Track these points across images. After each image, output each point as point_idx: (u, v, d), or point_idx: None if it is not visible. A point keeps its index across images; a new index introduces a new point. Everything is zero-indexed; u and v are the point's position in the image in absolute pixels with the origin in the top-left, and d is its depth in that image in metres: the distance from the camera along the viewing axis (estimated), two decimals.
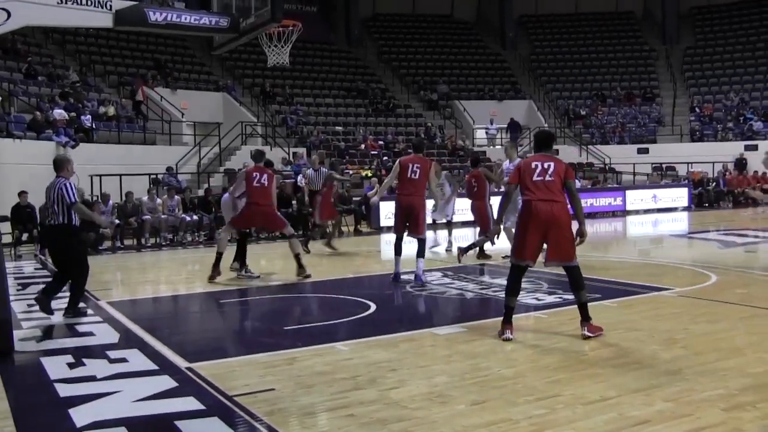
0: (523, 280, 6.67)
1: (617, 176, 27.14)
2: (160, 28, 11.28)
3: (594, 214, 21.68)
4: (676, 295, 8.21)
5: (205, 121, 25.56)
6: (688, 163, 27.59)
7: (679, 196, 23.97)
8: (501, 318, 6.49)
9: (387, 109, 31.38)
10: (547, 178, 6.24)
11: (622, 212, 22.63)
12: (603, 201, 22.22)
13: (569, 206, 6.35)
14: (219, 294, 9.22)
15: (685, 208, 23.65)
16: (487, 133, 32.23)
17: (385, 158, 25.30)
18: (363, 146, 26.74)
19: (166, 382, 5.17)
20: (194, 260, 13.49)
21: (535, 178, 6.25)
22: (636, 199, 23.23)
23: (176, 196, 17.12)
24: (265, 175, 10.05)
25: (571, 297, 7.97)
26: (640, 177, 27.22)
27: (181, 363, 5.69)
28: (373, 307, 7.85)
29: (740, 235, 15.02)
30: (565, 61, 37.81)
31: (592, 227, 19.48)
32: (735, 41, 37.21)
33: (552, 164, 6.32)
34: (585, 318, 6.36)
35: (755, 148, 29.72)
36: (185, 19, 11.04)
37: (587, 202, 21.66)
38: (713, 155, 27.88)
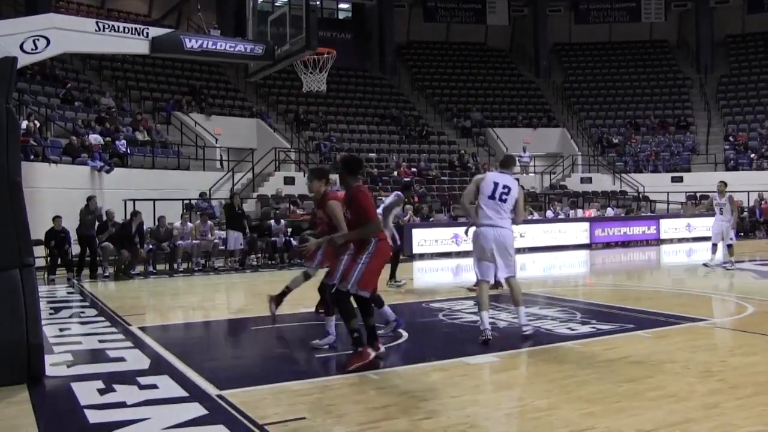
0: (556, 310, 6.56)
1: (651, 205, 26.82)
2: (195, 54, 11.45)
3: (627, 243, 21.41)
4: (711, 326, 8.04)
5: (238, 146, 25.87)
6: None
7: (708, 224, 23.60)
8: (537, 347, 6.43)
9: (420, 136, 31.45)
10: None
11: (656, 241, 22.32)
12: (637, 230, 21.95)
13: None
14: (251, 320, 9.23)
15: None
16: (520, 160, 32.10)
17: (418, 186, 25.30)
18: (396, 173, 26.80)
19: (196, 410, 5.14)
20: (226, 286, 13.56)
21: None
22: (670, 227, 22.91)
23: (209, 222, 17.28)
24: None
25: (606, 327, 7.89)
26: (675, 206, 26.87)
27: (212, 390, 5.67)
28: (405, 335, 7.78)
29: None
30: (598, 89, 37.66)
31: (626, 256, 19.24)
32: None
33: None
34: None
35: None
36: (221, 46, 11.20)
37: (621, 230, 21.44)
38: (748, 184, 27.42)
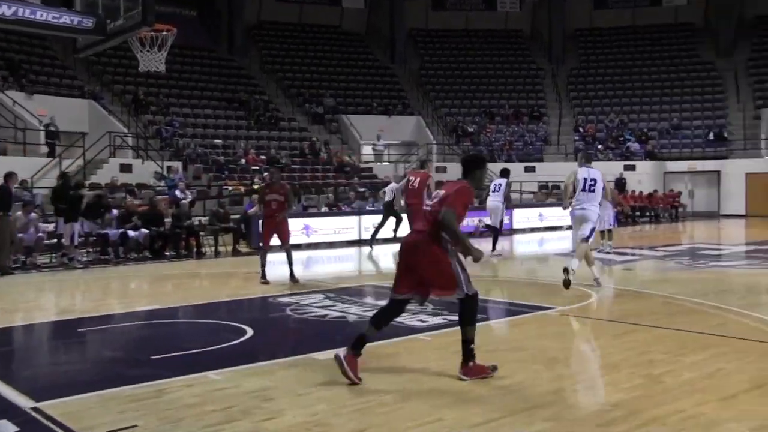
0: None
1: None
2: (9, 23, 10.56)
3: (481, 233, 22.21)
4: (558, 314, 8.51)
5: (67, 130, 24.45)
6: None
7: (564, 214, 24.92)
8: (385, 341, 6.50)
9: (270, 123, 31.12)
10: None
11: (510, 231, 23.32)
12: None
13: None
14: (78, 322, 8.76)
15: (569, 227, 24.56)
16: (374, 149, 32.55)
17: (266, 174, 25.02)
18: (244, 161, 26.37)
19: (5, 429, 4.76)
20: (52, 284, 12.81)
21: None
22: (523, 217, 24.00)
23: (32, 213, 16.22)
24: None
25: (455, 318, 8.13)
26: (527, 195, 28.19)
27: (26, 403, 5.27)
28: (249, 332, 7.69)
29: (619, 254, 15.76)
30: (454, 77, 38.82)
31: (480, 246, 19.96)
32: (615, 64, 39.41)
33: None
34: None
35: (633, 168, 31.54)
36: (41, 16, 10.37)
37: (474, 220, 22.17)
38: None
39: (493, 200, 15.73)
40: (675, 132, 34.60)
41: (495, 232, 15.89)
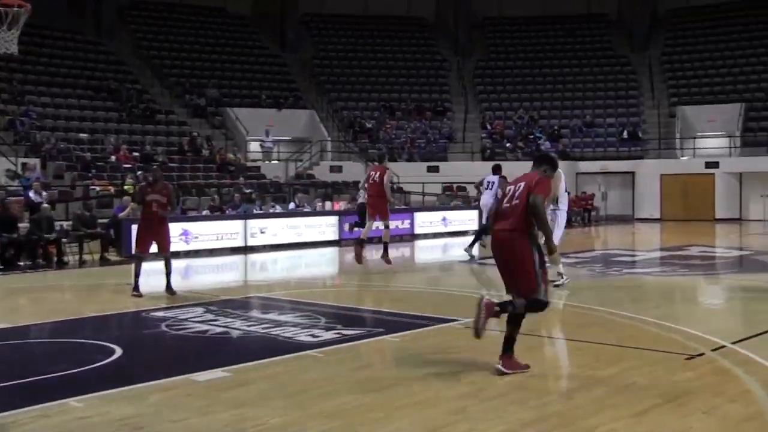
0: (298, 315, 6.69)
1: (405, 197, 28.27)
2: None
3: (380, 239, 22.35)
4: (462, 326, 8.63)
5: None
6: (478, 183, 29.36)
7: (470, 218, 25.39)
8: (272, 358, 6.64)
9: (144, 115, 30.38)
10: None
11: (411, 236, 23.56)
12: (390, 224, 22.91)
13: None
14: None
15: (475, 232, 25.03)
16: (262, 146, 32.27)
17: (140, 172, 24.43)
18: (113, 158, 25.63)
19: None
20: None
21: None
22: (425, 221, 24.28)
23: None
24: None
25: (352, 332, 8.20)
26: (430, 198, 28.57)
27: None
28: (118, 351, 7.48)
29: None
30: (351, 67, 38.96)
31: (378, 253, 20.10)
32: (525, 57, 40.52)
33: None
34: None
35: None
36: None
37: (372, 225, 22.29)
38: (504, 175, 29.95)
39: (486, 198, 16.45)
40: (587, 130, 35.82)
41: (481, 232, 16.66)
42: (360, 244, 14.79)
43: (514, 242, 6.47)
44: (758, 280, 13.28)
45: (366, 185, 14.87)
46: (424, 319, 9.15)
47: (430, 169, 31.87)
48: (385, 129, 35.25)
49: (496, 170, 16.72)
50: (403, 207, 25.47)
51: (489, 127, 35.90)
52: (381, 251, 15.07)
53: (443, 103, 37.60)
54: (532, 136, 34.90)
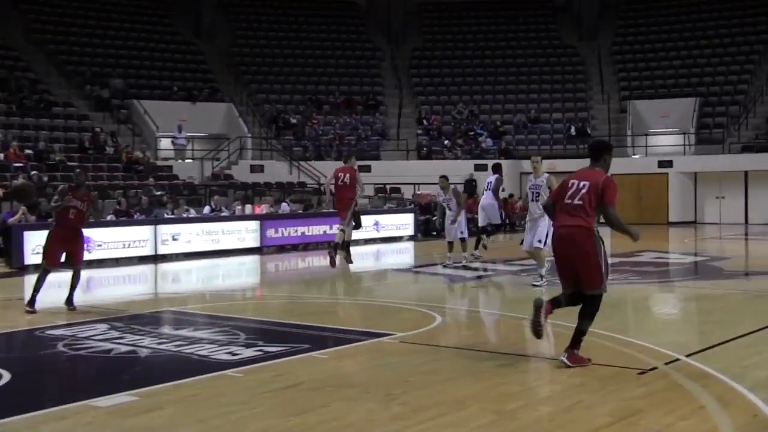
0: (215, 331, 6.64)
1: (335, 199, 28.20)
2: None
3: (307, 246, 22.32)
4: (397, 341, 8.67)
5: None
6: (414, 184, 29.55)
7: (405, 223, 25.54)
8: (185, 380, 6.66)
9: (38, 107, 29.74)
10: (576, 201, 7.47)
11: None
12: (316, 230, 22.92)
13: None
14: None
15: (410, 238, 25.24)
16: (174, 143, 31.89)
17: (35, 173, 23.88)
18: (2, 156, 25.01)
19: None
20: None
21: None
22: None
23: None
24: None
25: (275, 349, 8.17)
26: (362, 200, 28.57)
27: None
28: (6, 376, 7.30)
29: (470, 269, 16.33)
30: (273, 56, 38.81)
31: (305, 262, 20.06)
32: (464, 46, 40.94)
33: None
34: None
35: (485, 168, 32.71)
36: None
37: (298, 230, 22.27)
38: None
39: (486, 199, 16.92)
40: (532, 126, 36.37)
41: (483, 231, 17.23)
42: (335, 249, 15.29)
43: (582, 239, 7.39)
44: (714, 288, 13.65)
45: (332, 187, 15.56)
46: (354, 334, 9.16)
47: (362, 169, 31.68)
48: (311, 124, 35.21)
49: (497, 169, 17.31)
50: (331, 211, 25.41)
51: (425, 122, 36.18)
52: (334, 254, 15.34)
53: (375, 96, 37.73)
54: (472, 133, 35.29)
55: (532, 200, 13.41)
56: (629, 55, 39.48)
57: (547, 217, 12.31)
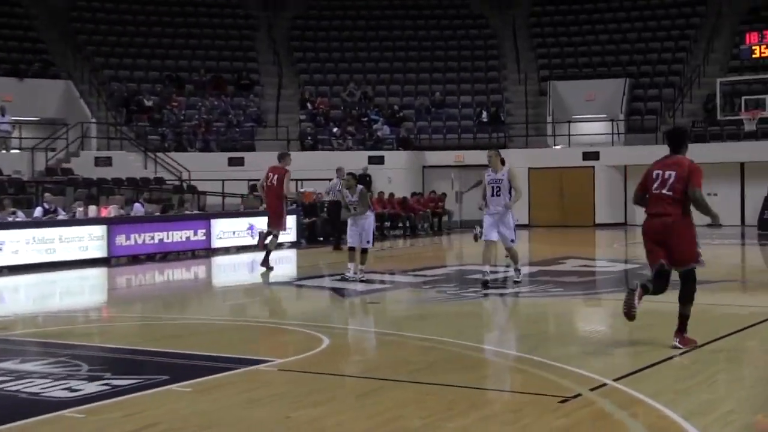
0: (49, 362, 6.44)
1: (199, 198, 27.98)
2: None
3: (166, 255, 22.04)
4: (275, 369, 8.64)
5: None
6: (297, 180, 29.45)
7: (286, 226, 25.42)
8: (11, 424, 6.57)
9: None
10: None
11: (206, 251, 23.33)
12: (178, 236, 22.65)
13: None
14: None
15: (292, 245, 25.16)
16: None
17: None
18: None
19: None
20: None
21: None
22: (226, 231, 24.10)
23: None
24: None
25: (126, 382, 8.04)
26: (233, 200, 28.39)
27: None
28: None
29: (363, 281, 16.34)
30: (123, 23, 38.29)
31: (162, 275, 19.81)
32: (356, 14, 41.07)
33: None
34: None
35: (381, 160, 32.87)
36: None
37: (155, 237, 21.96)
38: (330, 169, 30.13)
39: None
40: (437, 111, 36.69)
41: None
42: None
43: (677, 226, 9.16)
44: (646, 300, 13.99)
45: (263, 187, 17.84)
46: (224, 361, 9.06)
47: (233, 162, 31.73)
48: (171, 108, 34.74)
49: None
50: (196, 213, 25.22)
51: (310, 106, 36.11)
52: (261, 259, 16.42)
53: (249, 74, 37.50)
54: (366, 119, 35.45)
55: (493, 195, 14.99)
56: (549, 28, 40.22)
57: (511, 211, 15.01)
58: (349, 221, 16.67)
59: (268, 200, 18.21)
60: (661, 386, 7.81)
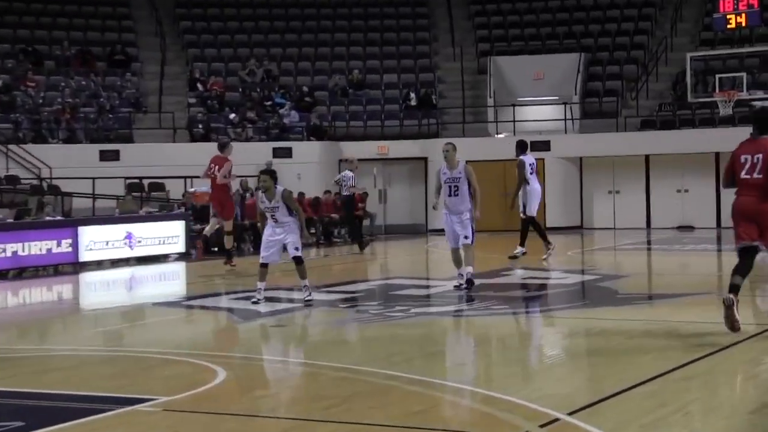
0: None
1: (63, 201, 27.65)
2: None
3: (21, 272, 21.76)
4: (160, 410, 8.56)
5: None
6: (185, 177, 29.21)
7: (171, 235, 25.23)
8: None
9: None
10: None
11: (73, 265, 23.05)
12: (36, 247, 22.36)
13: None
14: None
15: (181, 256, 24.97)
16: None
17: None
18: None
19: None
20: None
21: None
22: (97, 241, 23.82)
23: None
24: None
25: None
26: (106, 202, 28.11)
27: None
28: None
29: (269, 299, 16.26)
30: None
31: (13, 297, 19.53)
32: None
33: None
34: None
35: (289, 153, 32.70)
36: None
37: (6, 249, 21.60)
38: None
39: (536, 184, 21.12)
40: (356, 93, 36.72)
41: (530, 225, 22.21)
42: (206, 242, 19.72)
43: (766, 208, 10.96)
44: (606, 318, 14.13)
45: (207, 177, 20.16)
46: (95, 401, 8.96)
47: (106, 156, 31.39)
48: (26, 89, 34.22)
49: (525, 147, 21.84)
50: (60, 219, 24.90)
51: (201, 87, 35.90)
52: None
53: (125, 48, 37.16)
54: (269, 103, 35.32)
55: (450, 195, 16.07)
56: None
57: (469, 212, 16.09)
58: (266, 231, 15.95)
59: (212, 192, 20.90)
60: (624, 419, 7.87)
